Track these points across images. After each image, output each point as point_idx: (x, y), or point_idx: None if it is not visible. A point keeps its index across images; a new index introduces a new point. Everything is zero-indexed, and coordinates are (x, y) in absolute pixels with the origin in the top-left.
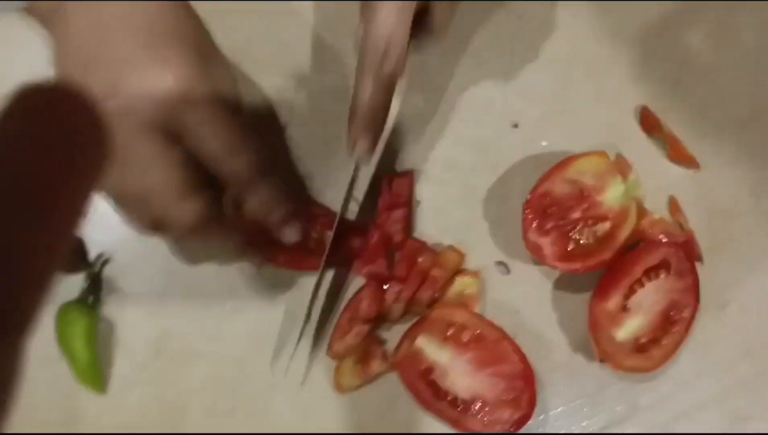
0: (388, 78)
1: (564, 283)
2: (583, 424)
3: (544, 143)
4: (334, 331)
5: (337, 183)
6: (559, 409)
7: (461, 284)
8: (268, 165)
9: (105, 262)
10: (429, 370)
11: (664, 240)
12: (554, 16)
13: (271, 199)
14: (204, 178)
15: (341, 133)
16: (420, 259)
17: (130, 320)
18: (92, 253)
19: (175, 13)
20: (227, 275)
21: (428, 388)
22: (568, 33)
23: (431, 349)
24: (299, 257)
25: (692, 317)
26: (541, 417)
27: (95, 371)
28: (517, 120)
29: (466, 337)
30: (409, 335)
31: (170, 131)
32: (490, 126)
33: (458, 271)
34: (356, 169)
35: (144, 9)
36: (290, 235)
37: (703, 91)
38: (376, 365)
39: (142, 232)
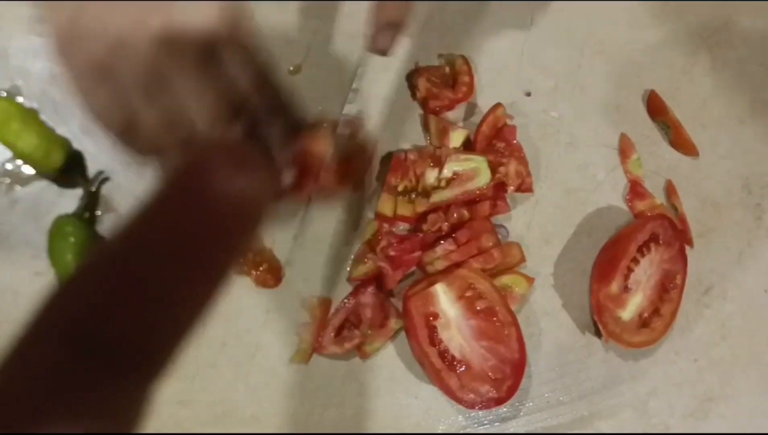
0: None
1: (566, 253)
2: (564, 390)
3: (554, 114)
4: (322, 325)
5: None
6: (543, 374)
7: (513, 280)
8: (285, 102)
9: (103, 181)
10: (434, 315)
11: (648, 214)
12: None
13: (284, 136)
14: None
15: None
16: (483, 237)
17: None
18: (91, 170)
19: None
20: None
21: (426, 330)
22: (587, 12)
23: (445, 299)
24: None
25: (683, 282)
26: (526, 378)
27: None
28: (530, 89)
29: (480, 305)
30: (430, 279)
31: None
32: (503, 91)
33: (513, 268)
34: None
35: None
36: (288, 177)
37: (708, 85)
38: (392, 323)
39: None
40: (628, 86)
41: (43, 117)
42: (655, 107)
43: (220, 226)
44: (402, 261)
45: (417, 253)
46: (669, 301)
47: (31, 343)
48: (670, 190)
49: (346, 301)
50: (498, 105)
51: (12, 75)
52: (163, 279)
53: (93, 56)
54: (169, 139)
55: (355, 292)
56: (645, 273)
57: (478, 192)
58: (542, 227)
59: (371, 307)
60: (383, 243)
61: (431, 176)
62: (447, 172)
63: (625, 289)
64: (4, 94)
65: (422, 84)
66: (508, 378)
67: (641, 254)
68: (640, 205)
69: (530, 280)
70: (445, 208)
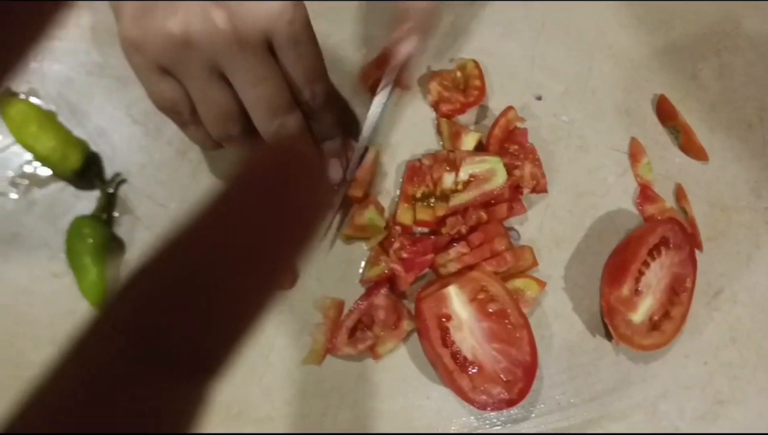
0: None
1: (577, 256)
2: (575, 392)
3: (564, 118)
4: (335, 326)
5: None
6: (554, 376)
7: (525, 284)
8: (333, 97)
9: (120, 182)
10: (447, 317)
11: (658, 217)
12: None
13: (332, 127)
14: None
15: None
16: (496, 240)
17: (141, 243)
18: (108, 172)
19: None
20: None
21: (439, 332)
22: (596, 16)
23: (457, 301)
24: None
25: (693, 285)
26: (538, 379)
27: (101, 287)
28: (541, 93)
29: (492, 307)
30: (443, 281)
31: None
32: (513, 95)
33: (525, 272)
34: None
35: None
36: (336, 171)
37: (716, 90)
38: (405, 325)
39: (232, 143)
40: (638, 90)
41: (60, 119)
42: (664, 112)
43: (285, 227)
44: (415, 263)
45: (430, 256)
46: (679, 304)
47: (90, 340)
48: (679, 193)
49: (359, 302)
50: (509, 108)
51: (29, 78)
52: (224, 279)
53: (158, 54)
54: (226, 131)
55: (368, 294)
56: (655, 276)
57: (495, 192)
58: (553, 230)
59: (384, 309)
60: (396, 245)
61: (448, 180)
62: (463, 175)
63: (636, 292)
64: (22, 97)
65: (434, 88)
66: (520, 380)
67: (652, 258)
68: (651, 209)
69: (542, 283)
70: (462, 210)
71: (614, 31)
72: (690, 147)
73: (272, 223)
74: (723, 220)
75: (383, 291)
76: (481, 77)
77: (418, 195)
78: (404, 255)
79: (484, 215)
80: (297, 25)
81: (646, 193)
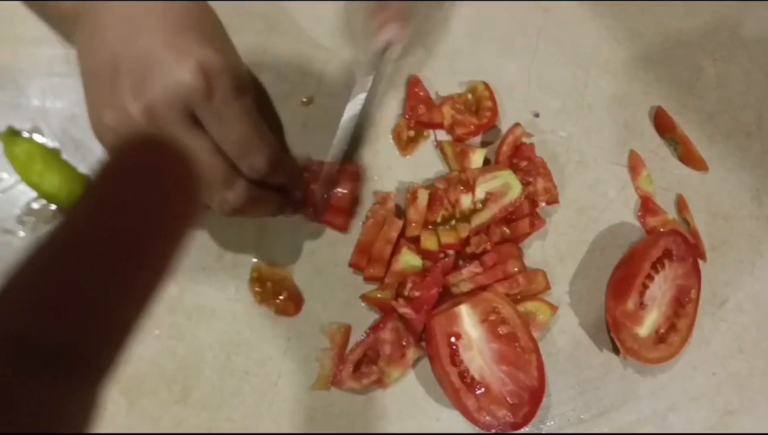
0: None
1: (581, 271)
2: (584, 407)
3: (562, 134)
4: (340, 359)
5: (360, 155)
6: (562, 392)
7: (537, 307)
8: (282, 154)
9: None
10: (457, 335)
11: (661, 229)
12: (578, 14)
13: (290, 181)
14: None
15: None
16: (509, 262)
17: None
18: None
19: (197, 9)
20: (248, 236)
21: (448, 350)
22: (591, 31)
23: (468, 320)
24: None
25: (698, 296)
26: (546, 396)
27: None
28: (538, 110)
29: (503, 330)
30: (455, 300)
31: (199, 124)
32: (511, 113)
33: (538, 295)
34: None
35: (168, 6)
36: (296, 194)
37: (714, 99)
38: (411, 353)
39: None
40: (635, 104)
41: (64, 156)
42: (662, 124)
43: (155, 221)
44: (423, 301)
45: (434, 291)
46: (685, 315)
47: None
48: (681, 205)
49: (364, 335)
50: (516, 125)
51: (33, 116)
52: (99, 278)
53: (108, 143)
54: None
55: (375, 328)
56: (660, 289)
57: (514, 205)
58: (556, 246)
59: (390, 344)
60: (409, 285)
61: (466, 200)
62: (480, 193)
63: (641, 305)
64: (26, 135)
65: (447, 112)
66: (526, 404)
67: (655, 271)
68: (653, 221)
69: (554, 308)
70: (485, 228)
71: (609, 45)
72: (689, 158)
73: (139, 218)
74: (725, 230)
75: (390, 325)
76: (492, 98)
77: (438, 220)
78: (416, 293)
79: (507, 231)
80: (217, 99)
81: (647, 206)
